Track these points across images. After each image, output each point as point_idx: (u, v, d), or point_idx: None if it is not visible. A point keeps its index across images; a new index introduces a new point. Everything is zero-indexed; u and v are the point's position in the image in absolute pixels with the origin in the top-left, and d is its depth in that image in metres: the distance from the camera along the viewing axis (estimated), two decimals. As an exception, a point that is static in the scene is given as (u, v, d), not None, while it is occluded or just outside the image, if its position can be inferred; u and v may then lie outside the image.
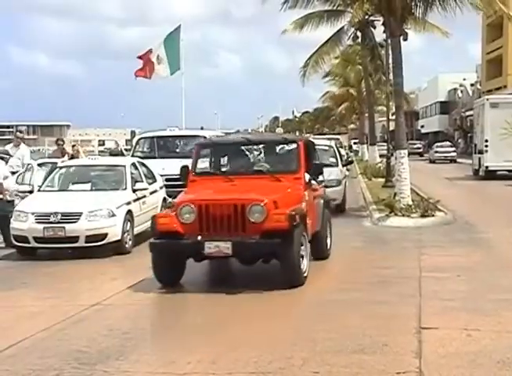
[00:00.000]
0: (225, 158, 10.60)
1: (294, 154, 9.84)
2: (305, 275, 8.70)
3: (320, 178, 10.75)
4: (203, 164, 10.50)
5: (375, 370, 5.56)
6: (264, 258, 8.86)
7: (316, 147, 19.24)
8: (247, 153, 10.68)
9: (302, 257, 8.64)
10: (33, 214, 11.48)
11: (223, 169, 10.33)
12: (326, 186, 11.34)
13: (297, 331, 6.80)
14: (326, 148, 18.63)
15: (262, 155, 10.78)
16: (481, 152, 28.49)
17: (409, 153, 17.49)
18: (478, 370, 5.52)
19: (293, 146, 10.02)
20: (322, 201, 10.55)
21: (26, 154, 15.21)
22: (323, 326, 6.90)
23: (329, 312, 7.50)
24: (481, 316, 7.14)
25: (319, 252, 10.32)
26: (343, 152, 27.65)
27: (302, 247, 8.70)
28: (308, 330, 6.78)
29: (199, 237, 8.43)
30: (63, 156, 16.92)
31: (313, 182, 9.97)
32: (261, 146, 10.77)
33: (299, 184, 9.40)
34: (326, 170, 16.61)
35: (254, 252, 8.53)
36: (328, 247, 10.69)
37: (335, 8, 24.93)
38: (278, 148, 10.60)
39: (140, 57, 23.58)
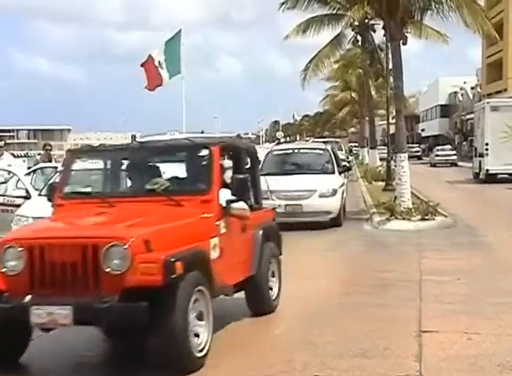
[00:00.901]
0: (110, 172, 7.60)
1: (204, 166, 6.82)
2: (202, 354, 5.72)
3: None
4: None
5: (375, 373, 5.56)
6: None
7: (309, 152, 17.29)
8: (140, 164, 7.42)
9: (197, 334, 5.67)
10: (34, 218, 11.49)
11: (103, 188, 7.44)
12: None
13: (298, 334, 6.80)
14: (321, 152, 16.85)
15: (161, 167, 7.56)
16: (481, 155, 28.54)
17: (408, 157, 17.47)
18: (479, 374, 5.52)
19: (204, 153, 6.93)
20: (259, 233, 7.31)
21: (12, 162, 15.20)
22: (324, 329, 6.91)
23: (330, 316, 7.50)
24: (481, 319, 7.14)
25: (259, 305, 7.47)
26: (343, 156, 27.25)
27: (198, 320, 5.70)
28: (308, 333, 6.79)
29: (28, 297, 5.43)
30: (50, 161, 16.98)
31: (240, 205, 6.72)
32: (159, 153, 7.62)
33: (208, 210, 6.30)
34: (319, 178, 15.37)
35: (109, 322, 5.42)
36: (274, 297, 7.71)
37: (335, 12, 25.07)
38: (183, 157, 7.64)
39: (143, 66, 23.57)
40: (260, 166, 16.24)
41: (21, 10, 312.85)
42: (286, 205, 14.46)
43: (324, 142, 24.56)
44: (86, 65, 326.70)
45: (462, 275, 9.48)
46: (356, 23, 29.67)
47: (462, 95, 73.03)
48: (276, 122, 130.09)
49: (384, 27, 18.22)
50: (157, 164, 7.38)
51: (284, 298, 8.29)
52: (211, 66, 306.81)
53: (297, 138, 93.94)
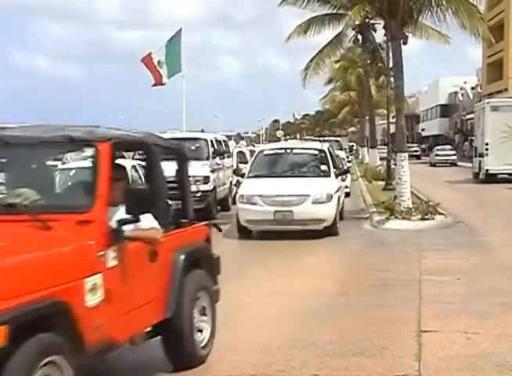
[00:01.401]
0: None
1: (88, 172, 5.04)
2: None
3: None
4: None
5: (375, 372, 5.57)
6: None
7: (302, 152, 15.17)
8: (8, 167, 5.50)
9: None
10: None
11: None
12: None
13: (297, 334, 6.79)
14: (316, 153, 15.02)
15: (31, 173, 5.39)
16: (481, 155, 28.55)
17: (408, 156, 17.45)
18: (478, 373, 5.53)
19: (89, 153, 5.01)
20: (179, 260, 5.44)
21: None
22: (323, 329, 6.90)
23: (330, 315, 7.50)
24: (480, 319, 7.15)
25: (180, 356, 5.58)
26: (343, 155, 26.94)
27: None
28: (308, 332, 6.78)
29: None
30: None
31: (145, 224, 4.88)
32: (27, 153, 5.15)
33: (88, 234, 4.45)
34: (313, 181, 13.81)
35: None
36: (205, 342, 5.80)
37: (336, 11, 25.09)
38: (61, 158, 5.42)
39: (143, 62, 23.61)
40: (248, 167, 15.69)
41: (21, 9, 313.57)
42: (276, 212, 13.03)
43: (321, 140, 21.72)
44: (86, 64, 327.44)
45: (461, 275, 9.48)
46: (357, 22, 29.64)
47: (462, 95, 72.99)
48: (276, 121, 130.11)
49: (384, 27, 18.24)
50: (35, 167, 5.43)
51: (284, 297, 8.30)
52: (211, 65, 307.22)
53: (297, 136, 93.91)
